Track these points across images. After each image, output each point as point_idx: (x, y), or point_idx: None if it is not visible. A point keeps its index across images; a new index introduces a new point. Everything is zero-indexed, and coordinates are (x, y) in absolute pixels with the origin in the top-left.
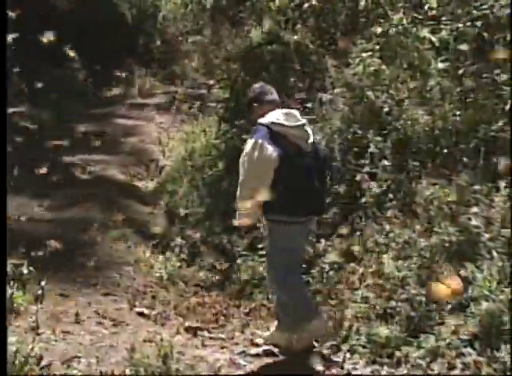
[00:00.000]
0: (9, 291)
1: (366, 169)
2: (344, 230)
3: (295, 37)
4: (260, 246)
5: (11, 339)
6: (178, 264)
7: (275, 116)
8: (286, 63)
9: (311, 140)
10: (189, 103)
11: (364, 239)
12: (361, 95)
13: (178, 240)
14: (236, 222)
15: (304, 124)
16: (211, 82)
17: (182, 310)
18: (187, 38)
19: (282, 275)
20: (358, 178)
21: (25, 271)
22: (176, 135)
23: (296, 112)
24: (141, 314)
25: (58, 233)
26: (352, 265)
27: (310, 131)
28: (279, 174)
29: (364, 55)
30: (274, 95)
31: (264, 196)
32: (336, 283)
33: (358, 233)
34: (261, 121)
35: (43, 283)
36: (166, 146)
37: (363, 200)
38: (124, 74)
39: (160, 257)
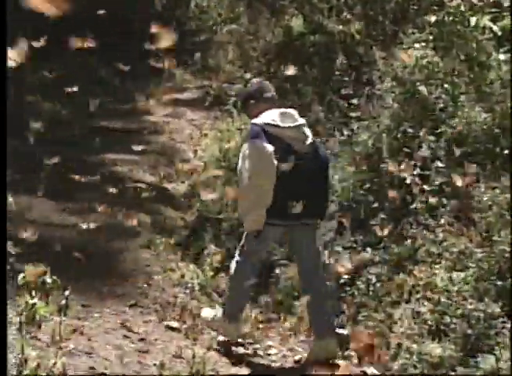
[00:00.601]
0: (31, 301)
1: (417, 171)
2: (392, 238)
3: (340, 26)
4: None
5: (32, 353)
6: (211, 273)
7: (271, 116)
8: (330, 55)
9: (309, 141)
10: (224, 99)
11: (415, 248)
12: (412, 90)
13: (212, 248)
14: (246, 228)
15: (301, 125)
16: (248, 76)
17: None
18: (222, 28)
19: (238, 261)
20: (408, 181)
21: (48, 280)
22: (209, 134)
23: (293, 111)
24: (170, 327)
25: (81, 239)
26: (402, 276)
27: (308, 132)
28: (281, 173)
29: (416, 46)
30: (272, 93)
31: (269, 198)
32: (383, 296)
33: (408, 241)
34: (256, 121)
35: (67, 293)
36: (198, 145)
37: (414, 205)
38: (152, 67)
39: (192, 265)
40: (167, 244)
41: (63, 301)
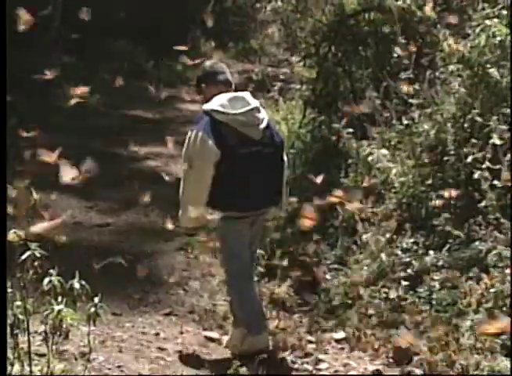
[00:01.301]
0: (57, 308)
1: (487, 165)
2: (458, 240)
3: (399, 2)
4: (354, 257)
5: (58, 366)
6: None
7: (219, 101)
8: (388, 35)
9: (262, 126)
10: (268, 85)
11: (484, 251)
12: (482, 73)
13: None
14: (181, 225)
15: (253, 109)
16: (295, 59)
17: None
18: (265, 6)
19: (234, 279)
20: (476, 176)
21: (76, 285)
22: None
23: (245, 94)
24: (210, 338)
25: (111, 240)
26: (469, 283)
27: (262, 116)
28: (222, 166)
29: (487, 22)
30: (226, 76)
31: (204, 196)
32: (448, 305)
33: (476, 243)
34: (204, 107)
35: (96, 300)
36: None
37: (483, 203)
38: (188, 50)
39: None
40: (206, 245)
41: (92, 309)
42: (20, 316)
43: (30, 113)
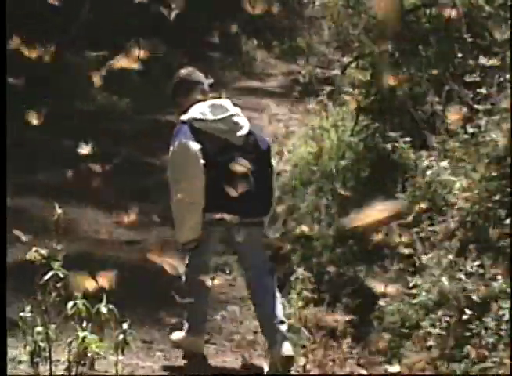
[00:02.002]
0: (82, 335)
1: None
2: None
3: None
4: (412, 283)
5: None
6: (300, 303)
7: (199, 109)
8: (452, 33)
9: (243, 132)
10: (316, 88)
11: None
12: None
13: (300, 271)
14: (180, 240)
15: (233, 115)
16: (346, 60)
17: (305, 366)
18: (314, 0)
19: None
20: None
21: (103, 309)
22: (298, 131)
23: (225, 102)
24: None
25: (141, 258)
26: None
27: (243, 122)
28: (206, 175)
29: None
30: (202, 85)
31: (201, 199)
32: None
33: None
34: (183, 117)
35: (125, 325)
36: (284, 145)
37: None
38: (226, 47)
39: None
40: None
41: (120, 337)
42: (41, 344)
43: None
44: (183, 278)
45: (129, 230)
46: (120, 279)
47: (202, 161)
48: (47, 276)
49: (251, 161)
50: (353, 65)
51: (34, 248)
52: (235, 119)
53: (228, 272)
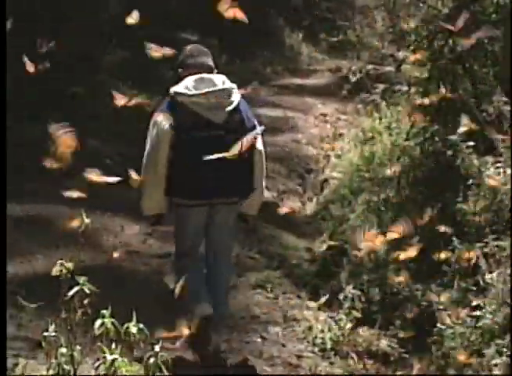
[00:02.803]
0: (110, 358)
1: None
2: None
3: None
4: (474, 304)
5: None
6: (349, 325)
7: (185, 83)
8: None
9: (228, 109)
10: (368, 86)
11: None
12: None
13: (350, 291)
14: (143, 213)
15: (218, 90)
16: (402, 55)
17: None
18: None
19: (175, 259)
20: None
21: (133, 329)
22: (347, 134)
23: (215, 76)
24: None
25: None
26: None
27: (230, 98)
28: (177, 151)
29: None
30: (203, 59)
31: (159, 182)
32: None
33: None
34: (170, 90)
35: (157, 347)
36: (331, 149)
37: None
38: (268, 40)
39: (322, 314)
40: (289, 283)
41: (152, 359)
42: (66, 366)
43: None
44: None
45: (160, 242)
46: (152, 296)
47: (169, 137)
48: (72, 292)
49: (233, 140)
50: (410, 60)
51: (59, 261)
52: (220, 94)
53: (269, 289)
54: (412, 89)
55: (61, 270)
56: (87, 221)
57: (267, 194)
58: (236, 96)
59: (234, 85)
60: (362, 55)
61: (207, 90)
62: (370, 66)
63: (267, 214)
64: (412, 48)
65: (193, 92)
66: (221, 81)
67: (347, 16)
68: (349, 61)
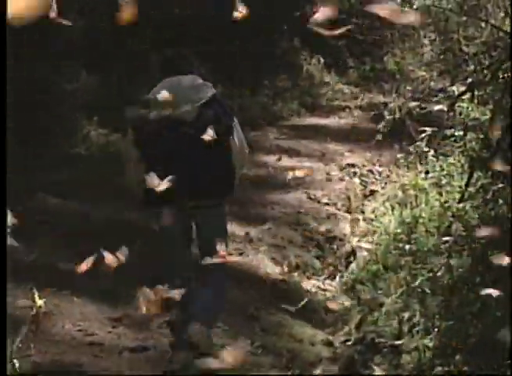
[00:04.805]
0: None
1: None
2: None
3: None
4: None
5: None
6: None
7: (156, 88)
8: None
9: (196, 105)
10: (410, 129)
11: None
12: None
13: None
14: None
15: (187, 87)
16: (456, 89)
17: None
18: (408, 3)
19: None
20: None
21: None
22: (382, 192)
23: (185, 77)
24: None
25: (152, 371)
26: None
27: (199, 95)
28: (143, 152)
29: None
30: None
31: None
32: None
33: None
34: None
35: None
36: (361, 211)
37: None
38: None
39: None
40: None
41: None
42: None
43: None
44: None
45: (133, 331)
46: None
47: (132, 138)
48: None
49: (198, 136)
50: (466, 97)
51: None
52: (186, 92)
53: None
54: (469, 135)
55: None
56: (40, 302)
57: (274, 269)
58: (208, 92)
59: (207, 83)
60: (402, 88)
61: (172, 89)
62: (414, 104)
63: (274, 295)
64: (469, 80)
65: (158, 94)
66: (189, 79)
67: (384, 37)
68: (386, 96)
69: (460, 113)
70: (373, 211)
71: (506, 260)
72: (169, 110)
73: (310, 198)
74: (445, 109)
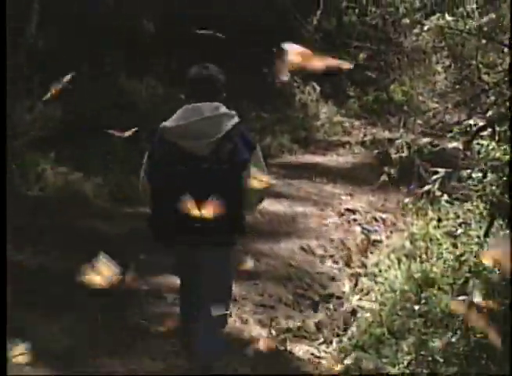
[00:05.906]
0: None
1: None
2: None
3: None
4: None
5: None
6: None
7: (175, 115)
8: None
9: (212, 139)
10: (420, 170)
11: None
12: None
13: None
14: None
15: (203, 119)
16: (473, 124)
17: None
18: (419, 24)
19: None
20: None
21: None
22: (387, 242)
23: (206, 105)
24: None
25: None
26: None
27: (218, 128)
28: (153, 184)
29: None
30: (202, 85)
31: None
32: None
33: None
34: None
35: None
36: (362, 264)
37: None
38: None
39: None
40: None
41: None
42: None
43: None
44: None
45: None
46: None
47: (145, 169)
48: None
49: (220, 173)
50: (485, 133)
51: None
52: (204, 124)
53: None
54: (489, 177)
55: None
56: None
57: (260, 333)
58: (228, 124)
59: (230, 112)
60: (410, 122)
61: (191, 120)
62: (425, 140)
63: (259, 363)
64: (489, 114)
65: (173, 124)
66: (211, 109)
67: (391, 62)
68: (392, 131)
69: (479, 152)
70: (377, 265)
71: None
72: (183, 142)
73: (303, 249)
74: (461, 147)
